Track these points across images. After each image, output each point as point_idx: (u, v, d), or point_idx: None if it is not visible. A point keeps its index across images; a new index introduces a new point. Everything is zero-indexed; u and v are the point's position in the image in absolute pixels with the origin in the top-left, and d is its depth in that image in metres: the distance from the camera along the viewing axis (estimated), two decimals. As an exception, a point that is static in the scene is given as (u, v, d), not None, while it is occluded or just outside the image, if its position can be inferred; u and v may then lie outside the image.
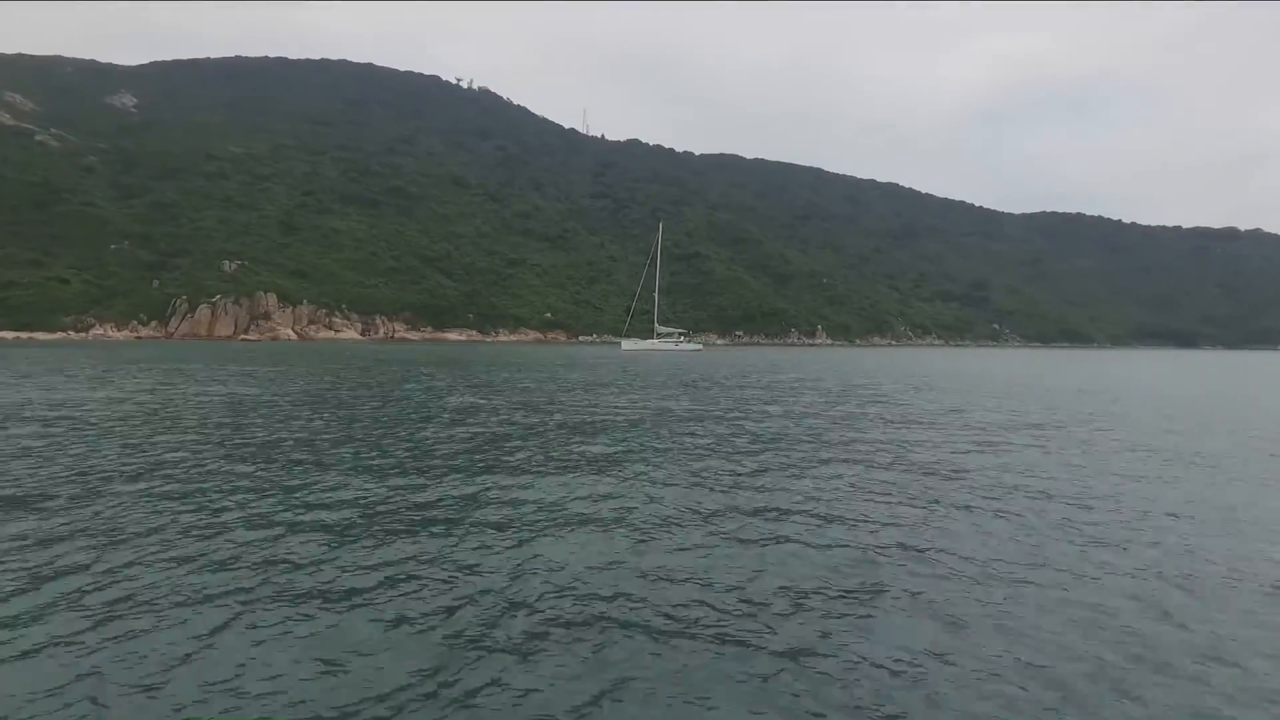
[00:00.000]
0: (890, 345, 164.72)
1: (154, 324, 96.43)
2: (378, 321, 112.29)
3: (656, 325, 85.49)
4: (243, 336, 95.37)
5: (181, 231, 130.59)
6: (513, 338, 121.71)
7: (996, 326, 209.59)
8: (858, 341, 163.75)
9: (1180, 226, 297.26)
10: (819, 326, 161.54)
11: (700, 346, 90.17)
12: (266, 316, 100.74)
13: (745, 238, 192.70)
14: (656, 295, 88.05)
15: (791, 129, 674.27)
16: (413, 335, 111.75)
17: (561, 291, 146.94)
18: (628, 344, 78.90)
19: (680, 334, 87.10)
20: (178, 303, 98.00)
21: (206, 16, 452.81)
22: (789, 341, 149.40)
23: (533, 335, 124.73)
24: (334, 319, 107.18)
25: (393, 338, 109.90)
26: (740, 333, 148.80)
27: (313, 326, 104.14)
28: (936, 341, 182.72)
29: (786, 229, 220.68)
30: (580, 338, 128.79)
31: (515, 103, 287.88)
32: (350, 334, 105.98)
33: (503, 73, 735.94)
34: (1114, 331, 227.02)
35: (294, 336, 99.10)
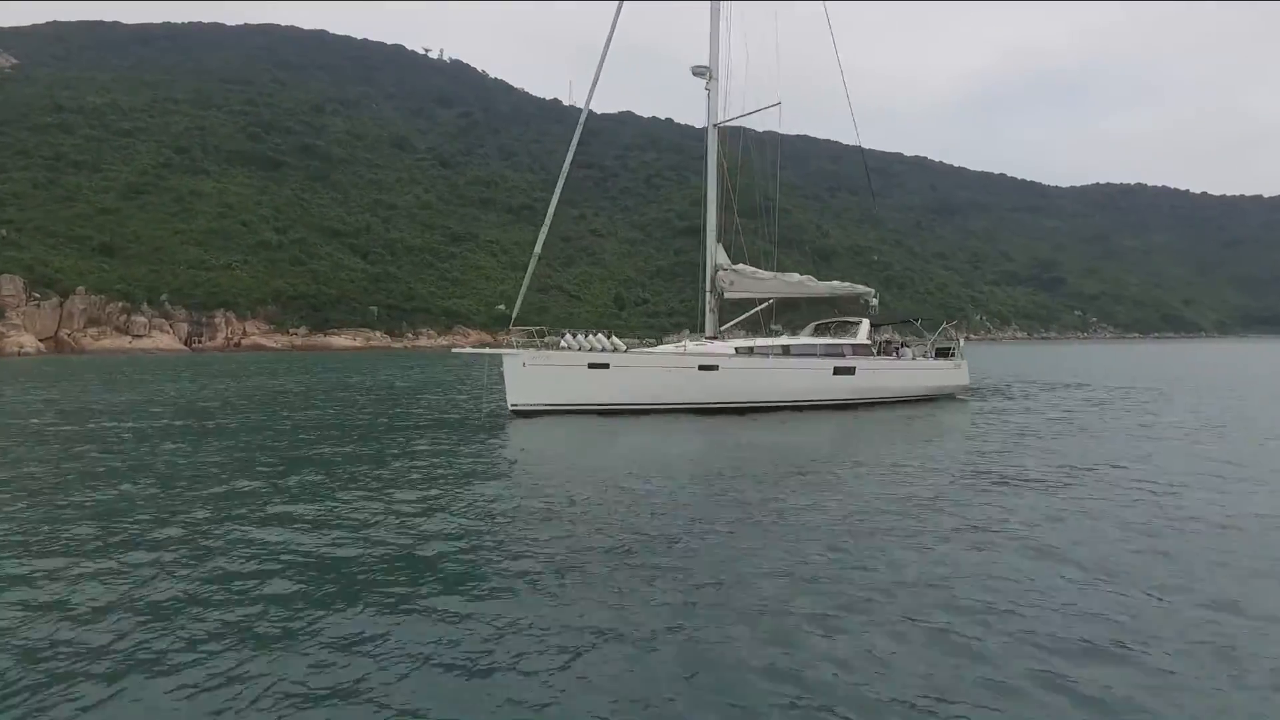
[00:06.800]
0: (969, 339, 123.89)
1: None
2: (218, 320, 70.95)
3: (722, 267, 19.86)
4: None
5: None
6: (442, 341, 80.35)
7: (1080, 313, 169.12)
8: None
9: (1261, 195, 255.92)
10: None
11: (966, 373, 22.68)
12: None
13: (770, 207, 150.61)
14: (712, 133, 18.95)
15: (790, 115, 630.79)
16: (273, 342, 70.27)
17: (524, 275, 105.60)
18: (517, 371, 16.03)
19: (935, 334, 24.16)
20: None
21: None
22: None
23: (474, 337, 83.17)
24: (135, 317, 65.71)
25: (238, 345, 68.61)
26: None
27: (94, 329, 62.92)
28: (1019, 334, 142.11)
29: (816, 201, 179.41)
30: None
31: (493, 76, 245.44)
32: (163, 340, 64.80)
33: (485, 59, 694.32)
34: (1215, 317, 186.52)
35: (38, 348, 57.71)
